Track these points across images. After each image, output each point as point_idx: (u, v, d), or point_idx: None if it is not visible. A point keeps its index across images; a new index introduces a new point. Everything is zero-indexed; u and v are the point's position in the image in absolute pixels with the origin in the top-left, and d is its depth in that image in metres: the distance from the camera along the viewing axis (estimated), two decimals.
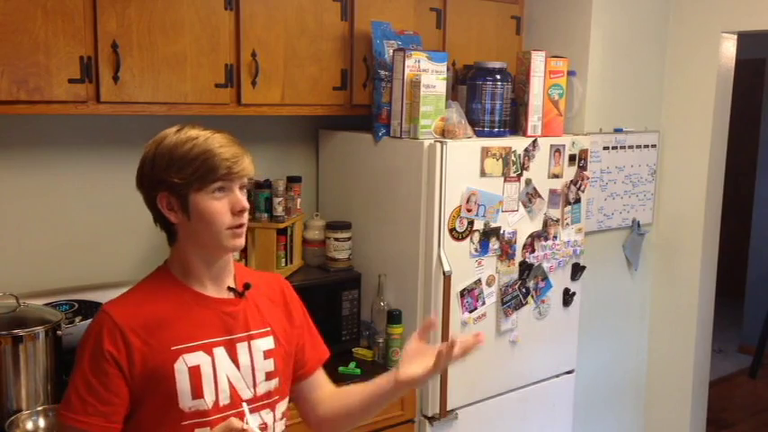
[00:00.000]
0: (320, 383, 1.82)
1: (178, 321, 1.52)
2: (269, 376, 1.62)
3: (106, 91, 2.31)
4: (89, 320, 2.41)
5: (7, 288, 2.32)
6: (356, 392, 1.76)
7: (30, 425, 2.12)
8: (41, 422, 2.13)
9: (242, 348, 1.58)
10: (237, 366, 1.57)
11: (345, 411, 1.76)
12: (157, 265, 1.63)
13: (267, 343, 1.63)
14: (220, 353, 1.55)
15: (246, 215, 1.57)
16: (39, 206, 2.57)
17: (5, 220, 2.53)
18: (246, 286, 1.63)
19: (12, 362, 2.12)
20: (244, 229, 1.57)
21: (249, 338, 1.60)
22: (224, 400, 1.53)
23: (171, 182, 1.50)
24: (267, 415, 1.62)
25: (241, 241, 1.57)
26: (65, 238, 2.61)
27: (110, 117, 2.53)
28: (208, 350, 1.53)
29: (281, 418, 1.67)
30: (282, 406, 1.67)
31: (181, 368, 1.49)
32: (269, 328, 1.64)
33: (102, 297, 2.50)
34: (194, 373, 1.50)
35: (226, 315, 1.58)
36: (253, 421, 1.51)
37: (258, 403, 1.60)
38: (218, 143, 1.52)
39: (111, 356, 1.46)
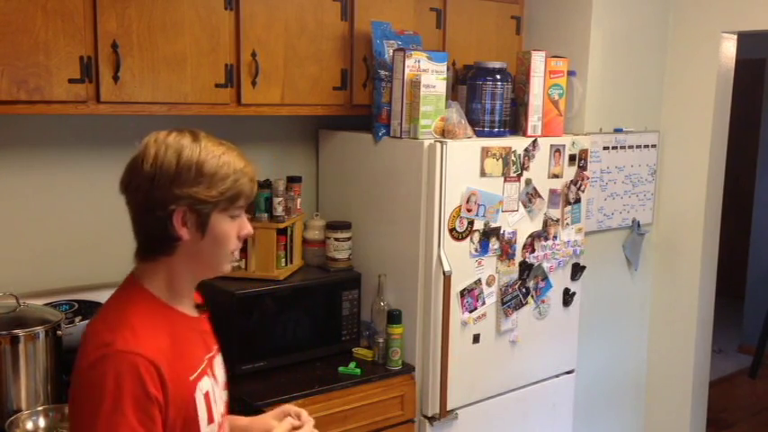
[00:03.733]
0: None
1: (183, 348, 1.44)
2: (225, 386, 1.62)
3: (106, 91, 2.31)
4: (89, 320, 2.42)
5: (7, 288, 2.32)
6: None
7: (30, 425, 2.12)
8: (41, 422, 2.14)
9: (217, 364, 1.57)
10: (217, 383, 1.55)
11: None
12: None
13: (220, 357, 1.61)
14: (209, 373, 1.51)
15: None
16: (39, 206, 2.57)
17: (5, 220, 2.53)
18: (206, 302, 1.60)
19: (12, 362, 2.12)
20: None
21: (217, 352, 1.59)
22: (219, 418, 1.52)
23: (197, 198, 1.39)
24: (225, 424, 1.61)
25: (230, 266, 1.53)
26: (65, 238, 2.61)
27: (110, 117, 2.53)
28: (207, 372, 1.49)
29: None
30: None
31: (198, 397, 1.44)
32: (216, 343, 1.62)
33: (103, 297, 2.49)
34: (207, 399, 1.46)
35: (203, 333, 1.55)
36: None
37: (224, 416, 1.58)
38: (244, 162, 1.46)
39: (156, 400, 1.33)
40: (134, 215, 1.45)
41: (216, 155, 1.42)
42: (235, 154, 1.46)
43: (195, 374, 1.44)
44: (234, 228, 1.47)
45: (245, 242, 2.69)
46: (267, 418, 1.72)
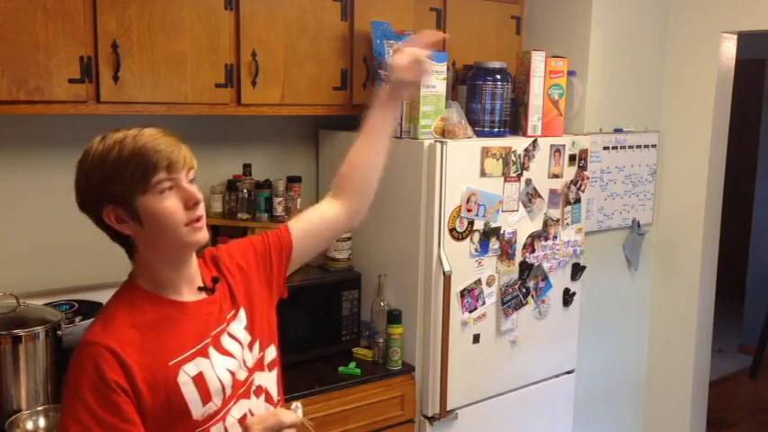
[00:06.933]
0: (311, 215, 1.82)
1: (166, 335, 1.46)
2: (250, 347, 1.59)
3: (106, 91, 2.31)
4: (89, 321, 2.42)
5: (7, 288, 2.32)
6: (360, 150, 1.80)
7: (30, 425, 2.12)
8: (41, 422, 2.14)
9: (225, 339, 1.55)
10: (232, 356, 1.54)
11: (363, 167, 1.81)
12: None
13: (240, 322, 1.59)
14: (213, 352, 1.51)
15: (203, 206, 1.47)
16: (39, 206, 2.57)
17: (6, 220, 2.53)
18: (215, 280, 1.58)
19: (12, 362, 2.13)
20: (204, 222, 1.47)
21: (227, 324, 1.57)
22: (228, 391, 1.52)
23: (112, 192, 1.39)
24: (261, 375, 1.61)
25: (204, 234, 1.47)
26: (65, 238, 2.61)
27: (110, 117, 2.52)
28: (204, 354, 1.49)
29: (273, 369, 1.66)
30: (270, 353, 1.66)
31: (185, 380, 1.44)
32: (234, 308, 1.60)
33: (103, 297, 2.49)
34: (199, 380, 1.47)
35: (207, 315, 1.54)
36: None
37: (253, 376, 1.58)
38: (149, 137, 1.41)
39: (117, 386, 1.37)
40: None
41: (115, 141, 1.40)
42: (137, 132, 1.42)
43: (178, 359, 1.45)
44: (173, 202, 1.41)
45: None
46: None
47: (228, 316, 1.58)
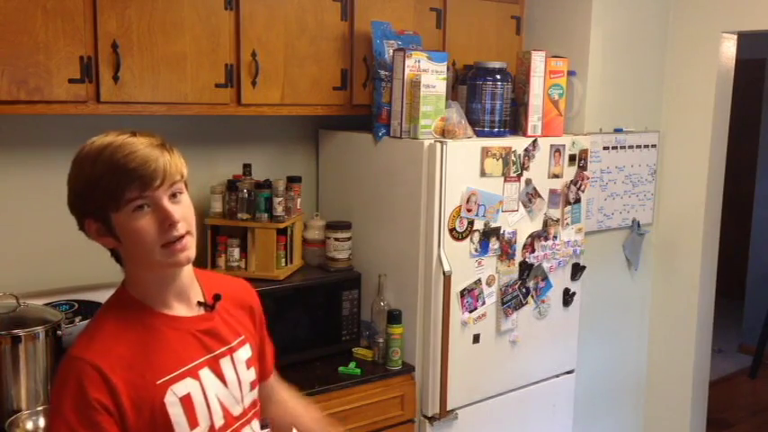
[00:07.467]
0: (272, 386, 1.79)
1: (156, 352, 1.41)
2: (252, 386, 1.57)
3: (106, 91, 2.31)
4: (89, 321, 2.43)
5: (7, 288, 2.32)
6: (297, 416, 1.81)
7: (30, 425, 2.12)
8: (41, 422, 2.14)
9: (226, 364, 1.50)
10: (225, 384, 1.49)
11: (286, 423, 1.78)
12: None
13: (246, 352, 1.56)
14: (206, 374, 1.46)
15: (184, 225, 1.39)
16: (39, 206, 2.57)
17: (6, 220, 2.53)
18: (217, 298, 1.52)
19: (12, 362, 2.13)
20: (186, 242, 1.39)
21: (230, 351, 1.52)
22: (218, 421, 1.46)
23: (86, 210, 1.39)
24: (255, 425, 1.58)
25: (186, 255, 1.40)
26: (65, 238, 2.59)
27: (110, 117, 2.52)
28: (194, 375, 1.43)
29: (262, 426, 1.63)
30: (259, 412, 1.63)
31: (172, 401, 1.39)
32: (243, 336, 1.56)
33: (103, 297, 2.50)
34: (186, 402, 1.41)
35: (202, 333, 1.48)
36: None
37: (248, 416, 1.55)
38: (125, 151, 1.34)
39: (99, 404, 1.31)
40: None
41: (98, 150, 1.36)
42: (121, 141, 1.36)
43: (167, 378, 1.39)
44: (147, 221, 1.36)
45: (244, 242, 2.71)
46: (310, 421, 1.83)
47: (235, 342, 1.54)
